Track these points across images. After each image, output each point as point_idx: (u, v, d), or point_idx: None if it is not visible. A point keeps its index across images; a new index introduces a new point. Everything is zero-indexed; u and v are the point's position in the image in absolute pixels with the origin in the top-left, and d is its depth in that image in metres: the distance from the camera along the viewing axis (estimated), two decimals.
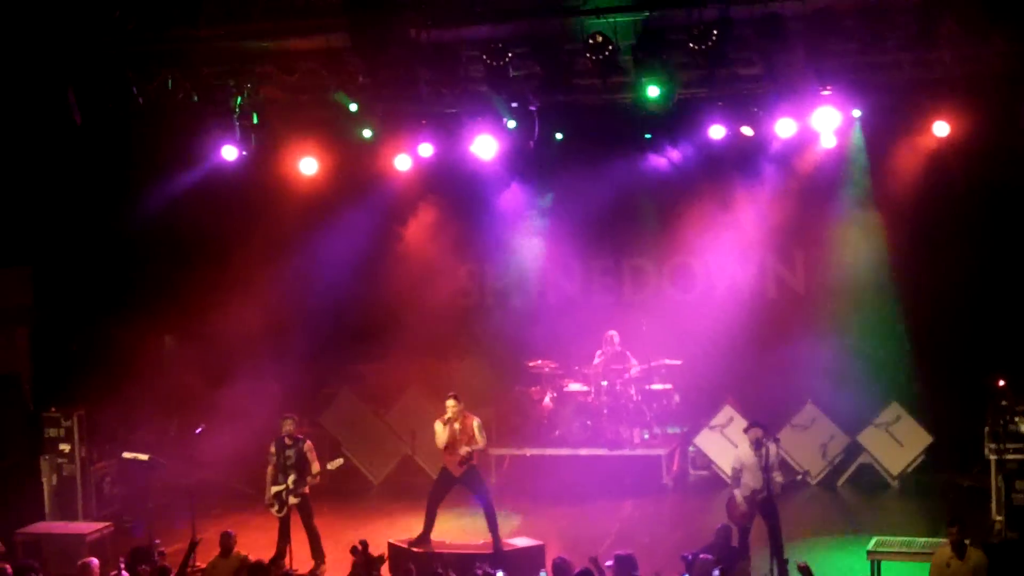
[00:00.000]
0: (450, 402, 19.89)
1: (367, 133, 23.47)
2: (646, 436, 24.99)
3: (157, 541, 19.63)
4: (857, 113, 22.73)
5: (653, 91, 21.48)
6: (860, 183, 24.81)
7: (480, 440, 20.01)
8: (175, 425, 25.52)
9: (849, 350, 24.53)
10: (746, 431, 19.26)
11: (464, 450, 19.80)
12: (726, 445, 24.13)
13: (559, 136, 24.28)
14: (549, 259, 27.27)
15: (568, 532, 21.68)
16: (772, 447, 18.80)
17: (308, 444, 20.17)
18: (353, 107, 21.93)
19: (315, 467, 20.00)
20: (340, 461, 20.58)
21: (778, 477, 18.89)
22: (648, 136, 24.66)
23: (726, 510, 19.20)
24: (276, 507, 20.02)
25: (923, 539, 18.30)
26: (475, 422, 19.99)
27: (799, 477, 24.15)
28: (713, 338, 25.64)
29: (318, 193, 25.73)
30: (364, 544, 17.91)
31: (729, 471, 19.76)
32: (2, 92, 20.73)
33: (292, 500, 19.94)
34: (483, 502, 20.06)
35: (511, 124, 22.64)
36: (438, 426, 19.97)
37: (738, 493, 18.95)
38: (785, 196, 25.44)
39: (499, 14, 19.87)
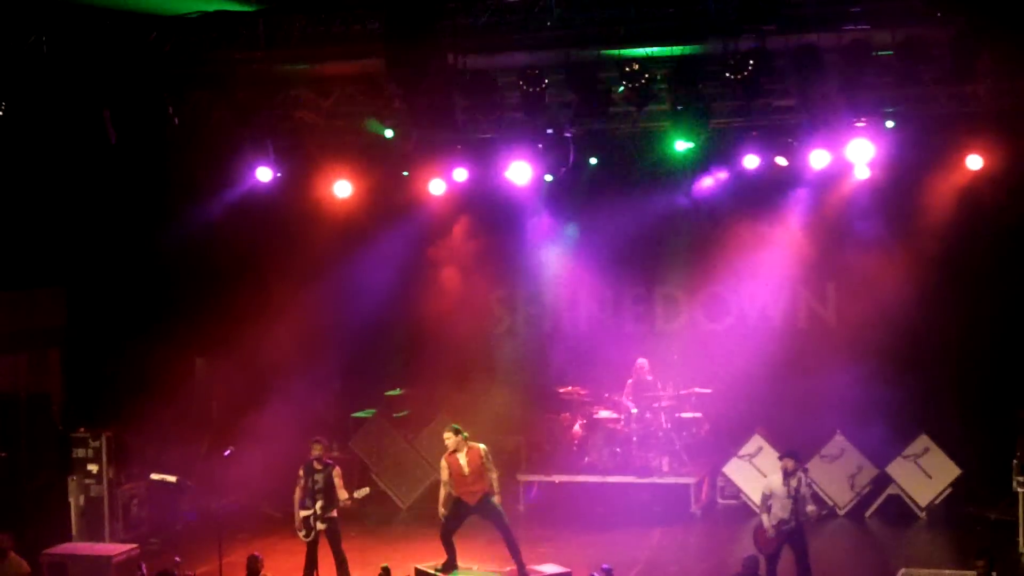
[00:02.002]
0: (447, 434, 19.96)
1: (404, 173, 23.76)
2: None
3: (178, 559, 19.57)
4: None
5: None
6: (892, 215, 24.78)
7: (492, 470, 20.02)
8: (204, 447, 25.54)
9: (878, 381, 24.40)
10: (780, 459, 19.24)
11: (492, 478, 19.84)
12: (755, 475, 24.09)
13: (593, 161, 24.34)
14: (581, 286, 27.31)
15: (596, 560, 21.49)
16: (802, 478, 18.77)
17: (337, 470, 20.03)
18: (388, 133, 21.99)
19: (342, 494, 19.86)
20: (366, 490, 20.51)
21: (810, 507, 18.83)
22: (680, 150, 24.48)
23: (753, 537, 19.19)
24: (304, 532, 19.94)
25: (950, 572, 18.26)
26: (482, 449, 19.98)
27: (823, 512, 24.03)
28: (743, 367, 25.56)
29: (352, 216, 25.79)
30: (386, 570, 17.90)
31: (758, 500, 19.75)
32: (38, 113, 20.79)
33: (320, 525, 19.83)
34: (503, 531, 19.99)
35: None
36: (442, 463, 20.00)
37: (766, 519, 18.90)
38: (818, 227, 25.46)
39: (536, 42, 19.86)
